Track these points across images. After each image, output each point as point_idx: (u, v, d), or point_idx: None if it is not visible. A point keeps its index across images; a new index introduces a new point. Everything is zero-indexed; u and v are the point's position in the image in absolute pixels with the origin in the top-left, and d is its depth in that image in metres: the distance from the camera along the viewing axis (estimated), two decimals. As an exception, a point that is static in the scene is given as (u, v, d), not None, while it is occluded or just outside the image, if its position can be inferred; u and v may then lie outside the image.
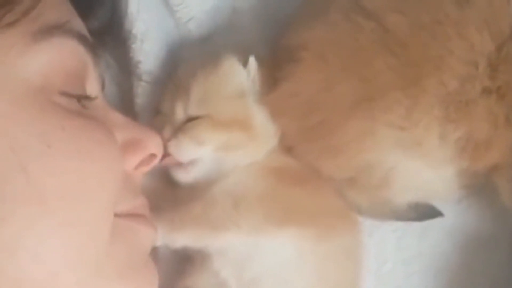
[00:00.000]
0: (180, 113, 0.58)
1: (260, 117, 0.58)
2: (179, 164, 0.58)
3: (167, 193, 0.60)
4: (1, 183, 0.40)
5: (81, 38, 0.48)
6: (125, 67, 0.63)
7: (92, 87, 0.50)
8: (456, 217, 0.62)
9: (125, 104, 0.64)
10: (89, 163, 0.44)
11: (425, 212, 0.61)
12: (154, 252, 0.56)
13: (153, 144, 0.53)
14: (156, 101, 0.62)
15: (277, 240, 0.55)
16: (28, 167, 0.41)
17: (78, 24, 0.50)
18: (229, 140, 0.57)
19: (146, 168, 0.53)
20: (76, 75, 0.47)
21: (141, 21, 0.61)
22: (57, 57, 0.45)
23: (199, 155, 0.57)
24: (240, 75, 0.58)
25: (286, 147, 0.59)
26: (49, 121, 0.43)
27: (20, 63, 0.43)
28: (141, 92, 0.62)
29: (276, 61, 0.59)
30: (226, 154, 0.58)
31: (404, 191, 0.58)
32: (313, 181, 0.59)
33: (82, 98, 0.48)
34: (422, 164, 0.56)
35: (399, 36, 0.53)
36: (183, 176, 0.58)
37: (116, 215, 0.46)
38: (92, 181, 0.44)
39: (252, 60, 0.58)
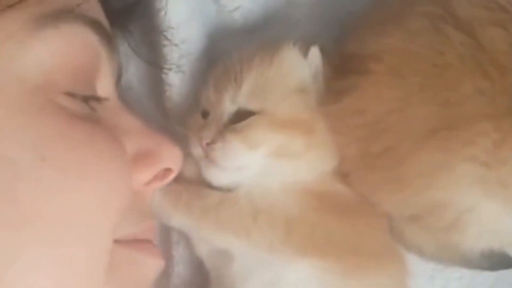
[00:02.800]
0: (227, 105, 0.51)
1: (322, 122, 0.51)
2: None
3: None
4: None
5: (95, 25, 0.41)
6: (153, 57, 0.57)
7: (104, 86, 0.43)
8: (535, 270, 0.55)
9: (151, 100, 0.59)
10: (89, 181, 0.38)
11: (499, 261, 0.54)
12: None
13: (170, 157, 0.47)
14: (191, 96, 0.56)
15: (295, 267, 0.49)
16: (16, 186, 0.35)
17: (93, 7, 0.43)
18: (286, 145, 0.50)
19: (158, 185, 0.47)
20: (85, 71, 0.41)
21: (176, 5, 0.55)
22: (64, 49, 0.39)
23: (248, 161, 0.50)
24: (302, 68, 0.52)
25: (343, 173, 0.52)
26: (46, 128, 0.37)
27: (18, 56, 0.36)
28: (175, 84, 0.56)
29: (338, 69, 0.52)
30: (276, 162, 0.50)
31: (479, 237, 0.50)
32: (359, 214, 0.52)
33: (91, 99, 0.41)
34: (504, 209, 0.48)
35: (496, 54, 0.45)
36: (219, 178, 0.51)
37: (117, 241, 0.40)
38: (92, 204, 0.38)
39: (315, 51, 0.52)
